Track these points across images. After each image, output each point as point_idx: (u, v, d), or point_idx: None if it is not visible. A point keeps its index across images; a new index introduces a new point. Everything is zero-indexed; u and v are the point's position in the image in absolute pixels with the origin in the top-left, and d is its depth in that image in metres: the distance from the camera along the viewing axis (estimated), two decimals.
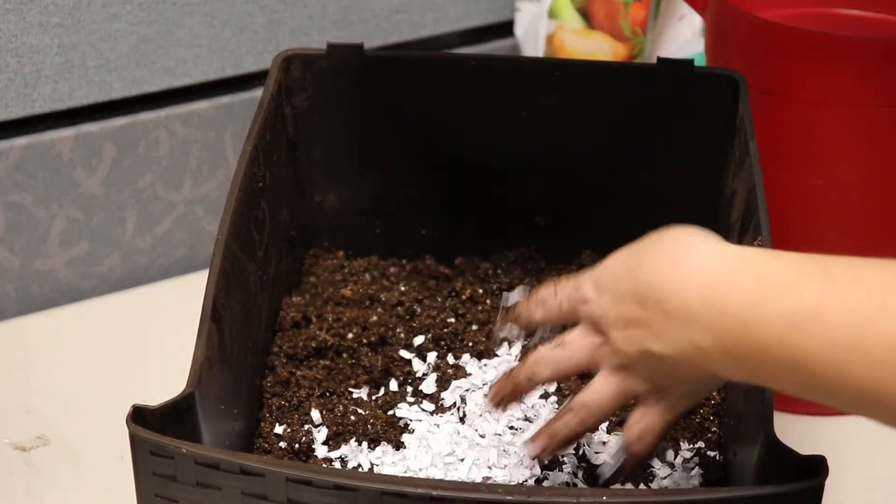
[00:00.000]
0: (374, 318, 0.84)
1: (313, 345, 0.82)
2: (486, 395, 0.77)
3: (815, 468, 0.58)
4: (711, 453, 0.75)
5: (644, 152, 0.89)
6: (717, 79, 0.85)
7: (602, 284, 0.64)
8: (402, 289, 0.88)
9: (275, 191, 0.83)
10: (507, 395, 0.69)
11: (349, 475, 0.58)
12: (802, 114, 0.87)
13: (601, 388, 0.65)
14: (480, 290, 0.87)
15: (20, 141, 1.02)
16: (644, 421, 0.65)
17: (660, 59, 0.86)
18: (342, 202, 0.93)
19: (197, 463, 0.58)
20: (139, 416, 0.60)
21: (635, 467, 0.69)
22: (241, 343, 0.74)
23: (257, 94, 1.08)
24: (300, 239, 0.91)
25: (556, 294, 0.67)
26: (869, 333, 0.52)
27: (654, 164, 0.89)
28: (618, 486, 0.71)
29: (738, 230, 0.78)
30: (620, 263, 0.63)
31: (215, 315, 0.68)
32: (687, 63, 0.86)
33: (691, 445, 0.75)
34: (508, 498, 0.57)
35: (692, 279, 0.58)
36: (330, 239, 0.93)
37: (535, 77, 0.88)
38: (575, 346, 0.65)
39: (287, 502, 0.58)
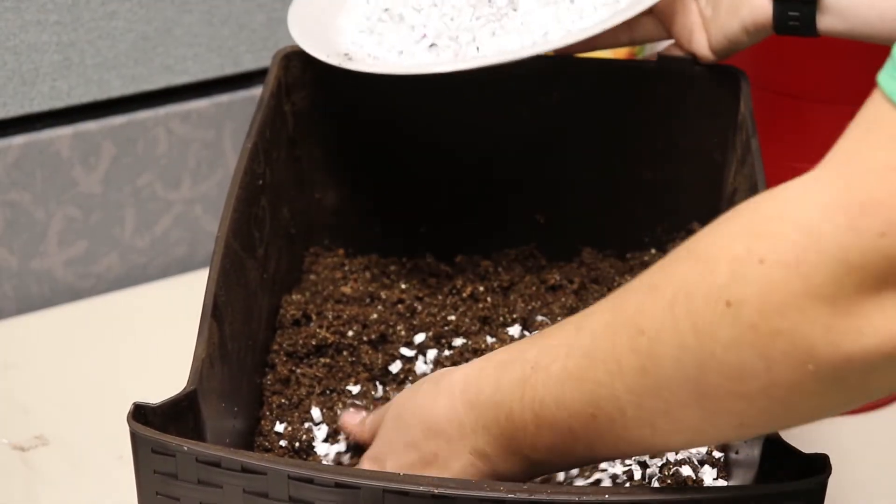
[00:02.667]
0: (375, 315, 0.84)
1: (313, 343, 0.82)
2: None
3: (818, 466, 0.58)
4: (714, 452, 0.75)
5: (645, 150, 0.89)
6: (718, 76, 0.85)
7: (379, 456, 0.67)
8: (403, 286, 0.88)
9: (275, 188, 0.83)
10: None
11: (351, 473, 0.58)
12: (805, 111, 0.87)
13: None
14: (481, 288, 0.87)
15: (18, 139, 1.01)
16: None
17: (661, 56, 0.86)
18: (342, 200, 0.92)
19: (198, 461, 0.58)
20: (140, 414, 0.59)
21: None
22: (241, 341, 0.74)
23: (256, 92, 1.08)
24: (300, 237, 0.90)
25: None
26: (570, 355, 0.57)
27: (655, 162, 0.89)
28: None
29: None
30: (390, 430, 0.67)
31: (216, 313, 0.67)
32: (688, 60, 0.85)
33: None
34: (510, 496, 0.56)
35: (456, 393, 0.63)
36: (330, 237, 0.93)
37: (536, 74, 0.87)
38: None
39: (288, 500, 0.58)
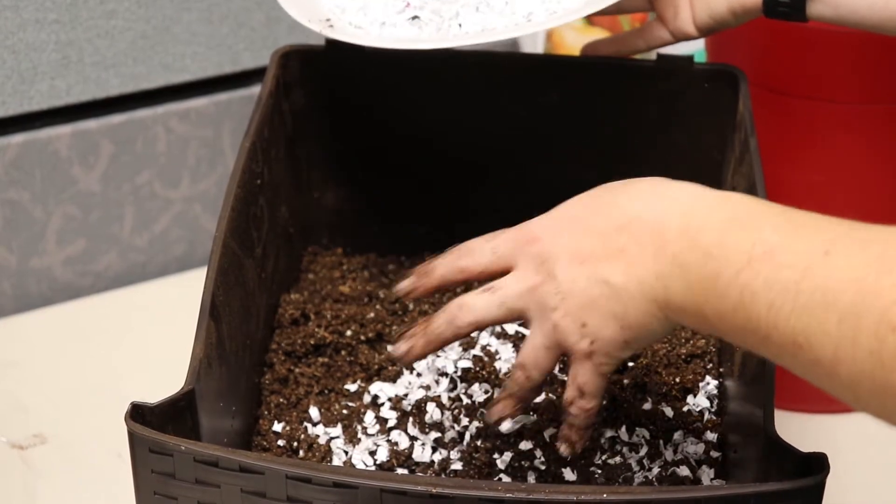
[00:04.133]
0: (372, 314, 0.84)
1: (312, 342, 0.81)
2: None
3: (817, 466, 0.58)
4: (712, 452, 0.75)
5: (644, 148, 0.89)
6: (716, 74, 0.85)
7: (557, 226, 0.62)
8: None
9: (273, 188, 0.83)
10: (419, 343, 0.65)
11: (349, 473, 0.58)
12: (803, 110, 0.87)
13: (533, 342, 0.62)
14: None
15: (17, 138, 1.01)
16: (580, 377, 0.62)
17: (659, 56, 0.86)
18: (341, 199, 0.92)
19: (196, 460, 0.58)
20: (138, 414, 0.59)
21: (582, 433, 0.65)
22: (239, 340, 0.74)
23: (255, 90, 1.08)
24: (299, 236, 0.90)
25: (489, 240, 0.64)
26: (806, 277, 0.52)
27: (653, 161, 0.89)
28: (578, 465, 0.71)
29: None
30: (583, 206, 0.62)
31: (214, 312, 0.67)
32: (687, 59, 0.85)
33: (694, 439, 0.75)
34: (508, 496, 0.56)
35: (675, 212, 0.58)
36: (329, 236, 0.93)
37: (535, 73, 0.87)
38: (508, 290, 0.62)
39: (286, 500, 0.58)
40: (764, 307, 0.53)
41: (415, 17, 0.79)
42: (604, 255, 0.59)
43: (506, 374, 0.78)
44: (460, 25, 0.79)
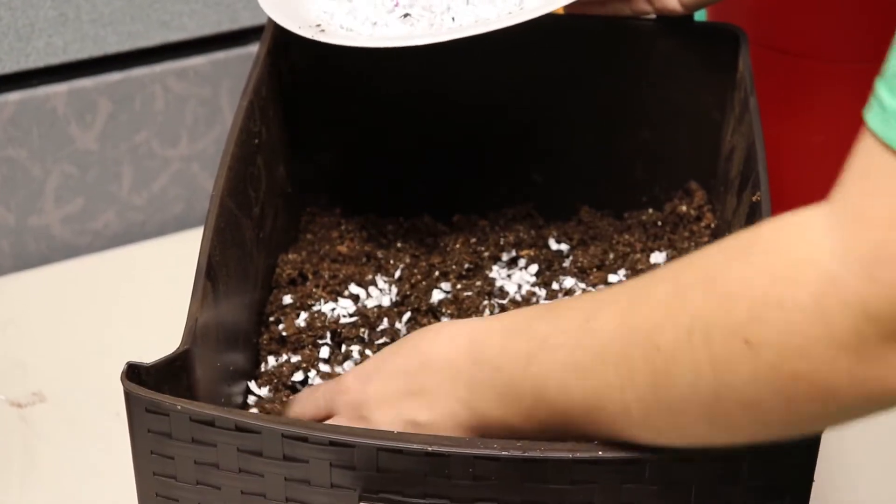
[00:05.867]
0: (370, 276, 0.84)
1: (309, 302, 0.81)
2: None
3: None
4: None
5: (643, 108, 0.88)
6: (716, 33, 0.84)
7: (366, 374, 0.66)
8: (399, 246, 0.88)
9: (271, 147, 0.83)
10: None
11: (345, 431, 0.58)
12: (804, 69, 0.86)
13: (339, 419, 0.67)
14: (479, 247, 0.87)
15: (14, 95, 1.01)
16: None
17: (659, 16, 0.85)
18: (339, 159, 0.92)
19: (192, 420, 0.58)
20: (134, 374, 0.59)
21: None
22: (236, 300, 0.74)
23: (254, 49, 1.08)
24: (297, 196, 0.90)
25: (312, 392, 0.71)
26: (578, 347, 0.56)
27: (652, 120, 0.89)
28: None
29: (738, 186, 0.77)
30: (389, 353, 0.66)
31: (210, 272, 0.67)
32: (686, 18, 0.85)
33: None
34: (504, 453, 0.56)
35: (460, 343, 0.62)
36: (327, 196, 0.92)
37: (533, 34, 0.87)
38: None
39: (283, 459, 0.58)
40: (555, 390, 0.57)
41: (406, 15, 0.79)
42: (408, 396, 0.63)
43: None
44: (453, 19, 0.79)
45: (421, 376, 0.63)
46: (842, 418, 0.51)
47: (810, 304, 0.48)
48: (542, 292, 0.83)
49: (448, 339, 0.63)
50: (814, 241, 0.49)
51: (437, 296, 0.82)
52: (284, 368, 0.77)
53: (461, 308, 0.80)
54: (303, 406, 0.71)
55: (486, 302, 0.81)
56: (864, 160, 0.48)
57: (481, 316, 0.79)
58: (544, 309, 0.61)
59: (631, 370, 0.54)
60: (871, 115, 0.48)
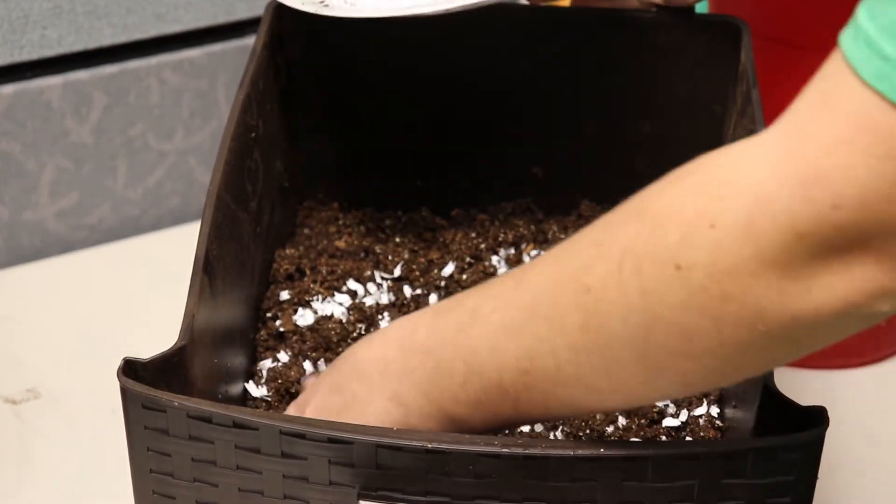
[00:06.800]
0: (369, 271, 0.83)
1: (307, 298, 0.81)
2: None
3: (816, 419, 0.58)
4: (712, 407, 0.74)
5: (644, 101, 0.88)
6: (718, 26, 0.84)
7: (313, 390, 0.66)
8: (398, 240, 0.87)
9: (268, 141, 0.82)
10: None
11: (344, 428, 0.57)
12: (806, 62, 0.85)
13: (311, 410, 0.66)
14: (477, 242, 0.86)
15: (8, 88, 1.00)
16: None
17: (660, 7, 0.84)
18: (337, 153, 0.91)
19: (189, 416, 0.58)
20: (130, 369, 0.59)
21: None
22: (233, 295, 0.73)
23: (250, 41, 1.07)
24: (294, 190, 0.89)
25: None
26: (509, 307, 0.56)
27: (654, 114, 0.88)
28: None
29: None
30: (332, 366, 0.66)
31: (207, 267, 0.66)
32: (688, 10, 0.84)
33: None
34: (505, 450, 0.56)
35: (392, 337, 0.62)
36: (324, 190, 0.92)
37: (535, 26, 0.86)
38: None
39: (281, 455, 0.57)
40: (486, 355, 0.56)
41: None
42: (344, 407, 0.63)
43: None
44: None
45: (353, 384, 0.63)
46: (770, 352, 0.50)
47: (741, 222, 0.47)
48: None
49: (380, 339, 0.63)
50: (748, 162, 0.48)
51: (434, 293, 0.81)
52: (281, 366, 0.76)
53: None
54: None
55: None
56: (824, 80, 0.47)
57: None
58: (478, 286, 0.60)
59: (561, 316, 0.53)
60: (845, 35, 0.47)
